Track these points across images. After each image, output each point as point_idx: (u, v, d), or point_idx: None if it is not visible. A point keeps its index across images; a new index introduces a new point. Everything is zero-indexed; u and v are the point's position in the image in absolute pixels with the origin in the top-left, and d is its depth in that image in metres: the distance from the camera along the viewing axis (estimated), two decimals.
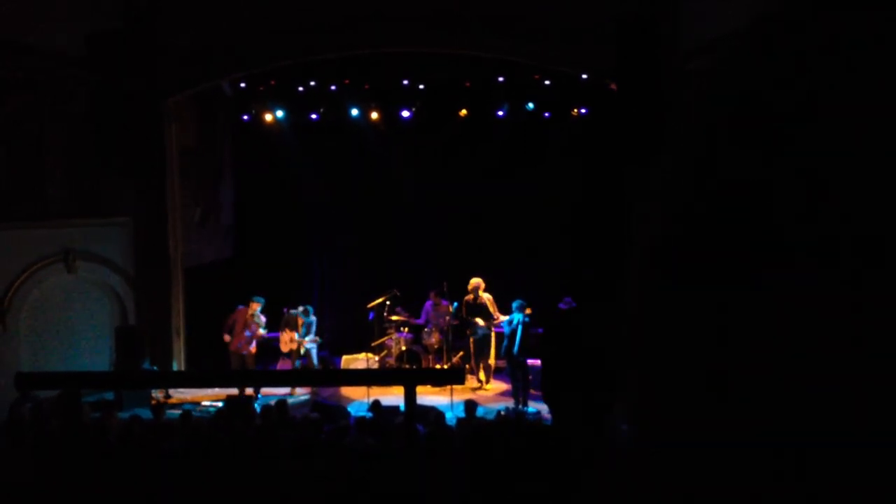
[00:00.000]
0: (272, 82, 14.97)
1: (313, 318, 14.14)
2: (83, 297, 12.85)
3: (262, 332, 13.51)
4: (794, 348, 0.59)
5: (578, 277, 14.59)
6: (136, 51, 12.47)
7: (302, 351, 13.79)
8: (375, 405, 10.42)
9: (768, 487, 0.62)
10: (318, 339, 14.18)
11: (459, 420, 10.40)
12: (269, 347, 14.09)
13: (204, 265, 15.08)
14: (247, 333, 13.41)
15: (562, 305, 12.72)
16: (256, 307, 13.49)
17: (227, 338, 13.46)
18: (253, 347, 13.48)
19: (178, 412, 10.77)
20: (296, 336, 13.76)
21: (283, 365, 14.02)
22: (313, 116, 15.66)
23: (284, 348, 13.81)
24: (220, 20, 12.93)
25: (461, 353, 14.23)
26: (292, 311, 13.92)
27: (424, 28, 12.88)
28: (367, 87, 15.18)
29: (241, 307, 13.58)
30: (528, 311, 12.84)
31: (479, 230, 15.85)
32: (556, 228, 15.70)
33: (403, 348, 14.17)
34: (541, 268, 15.84)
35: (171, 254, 13.74)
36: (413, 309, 14.69)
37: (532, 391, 12.54)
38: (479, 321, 13.81)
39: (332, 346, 15.21)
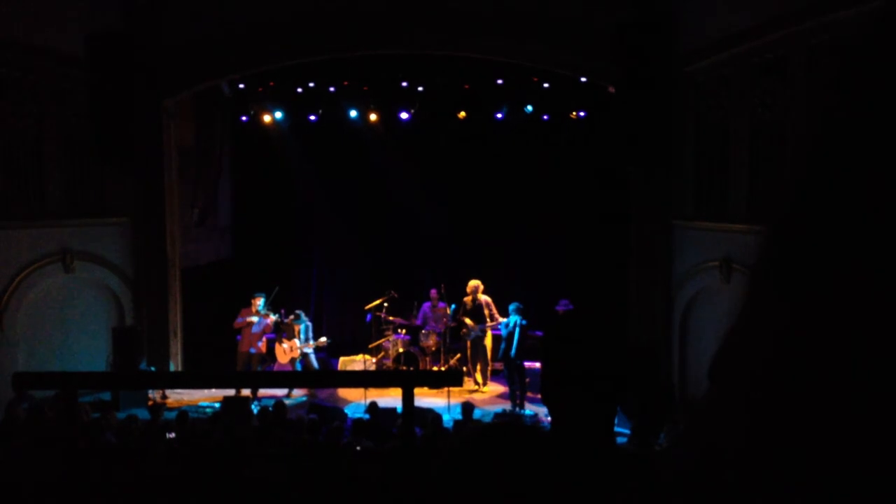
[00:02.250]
0: (271, 83, 14.97)
1: (308, 322, 14.12)
2: (80, 297, 12.83)
3: (272, 317, 13.47)
4: None
5: (578, 280, 14.63)
6: (136, 51, 12.46)
7: (299, 356, 13.73)
8: (372, 407, 10.43)
9: None
10: (324, 340, 14.12)
11: (456, 422, 10.41)
12: (269, 349, 14.08)
13: (201, 266, 15.07)
14: (254, 329, 13.40)
15: (558, 308, 12.73)
16: (259, 301, 13.47)
17: (252, 320, 13.38)
18: (263, 343, 13.45)
19: (175, 413, 10.77)
20: (297, 343, 13.70)
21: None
22: (312, 118, 15.66)
23: (284, 359, 13.70)
24: (219, 21, 12.92)
25: (458, 356, 14.24)
26: (285, 321, 13.89)
27: (423, 30, 12.89)
28: (365, 88, 15.19)
29: (244, 309, 13.56)
30: (512, 307, 12.90)
31: (478, 232, 15.86)
32: (555, 230, 15.73)
33: (401, 350, 14.16)
34: (540, 269, 15.87)
35: (169, 254, 13.73)
36: (406, 313, 14.66)
37: (530, 394, 12.55)
38: (469, 321, 13.79)
39: (330, 347, 15.22)
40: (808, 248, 0.60)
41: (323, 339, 14.13)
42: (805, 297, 0.59)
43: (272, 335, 13.82)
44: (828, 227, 0.59)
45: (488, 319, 13.75)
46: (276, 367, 13.87)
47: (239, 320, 13.48)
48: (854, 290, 0.56)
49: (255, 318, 13.34)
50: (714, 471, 0.64)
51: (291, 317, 13.89)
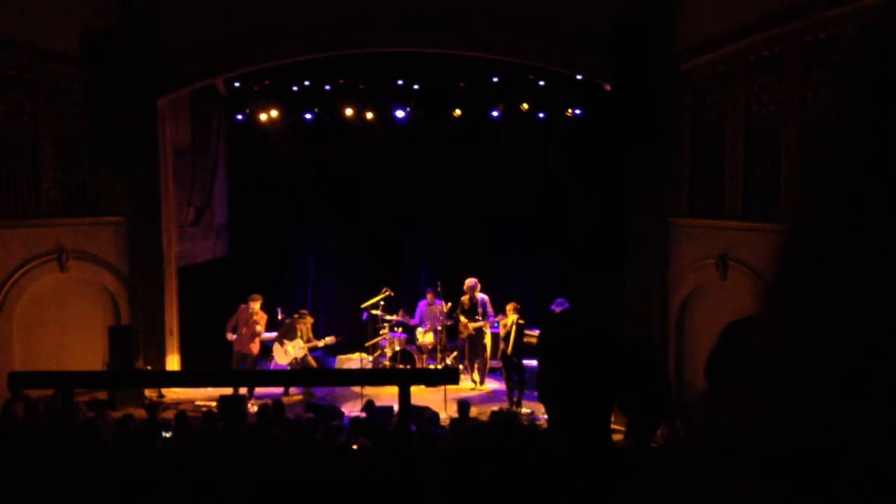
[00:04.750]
0: (266, 82, 14.95)
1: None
2: (76, 297, 12.81)
3: (258, 328, 13.40)
4: None
5: (574, 278, 14.64)
6: (131, 49, 12.43)
7: (301, 356, 13.66)
8: (369, 405, 10.44)
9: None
10: (331, 339, 14.03)
11: (453, 420, 10.42)
12: (267, 348, 14.08)
13: (197, 265, 15.05)
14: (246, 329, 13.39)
15: (554, 307, 12.72)
16: (256, 304, 13.40)
17: (231, 336, 13.38)
18: (254, 345, 13.41)
19: (171, 412, 10.76)
20: (300, 343, 13.62)
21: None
22: (308, 116, 15.65)
23: (284, 360, 13.63)
24: (214, 20, 12.90)
25: (455, 353, 14.24)
26: (287, 320, 13.83)
27: (419, 28, 12.87)
28: (361, 86, 15.18)
29: (242, 306, 13.53)
30: (509, 306, 12.91)
31: (474, 230, 15.86)
32: (551, 228, 15.73)
33: (397, 348, 14.15)
34: (536, 267, 15.88)
35: (165, 253, 13.70)
36: (405, 310, 14.65)
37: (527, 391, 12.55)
38: (465, 320, 13.80)
39: (327, 346, 15.21)
40: (832, 244, 0.60)
41: (330, 337, 14.05)
42: (832, 292, 0.59)
43: (268, 334, 13.79)
44: (851, 223, 0.59)
45: (482, 318, 13.74)
46: (275, 363, 13.87)
47: (231, 328, 13.45)
48: (881, 285, 0.56)
49: (233, 335, 13.31)
50: (743, 467, 0.63)
51: (295, 315, 13.85)
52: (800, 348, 0.61)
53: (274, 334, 13.91)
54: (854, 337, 0.57)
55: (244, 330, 13.33)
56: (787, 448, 0.61)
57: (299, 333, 13.69)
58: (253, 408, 11.33)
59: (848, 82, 0.62)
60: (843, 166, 0.60)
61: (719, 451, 0.69)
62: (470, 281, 13.89)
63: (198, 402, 12.40)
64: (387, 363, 14.04)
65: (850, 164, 0.60)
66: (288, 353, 13.56)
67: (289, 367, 13.50)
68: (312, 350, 14.01)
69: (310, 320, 14.03)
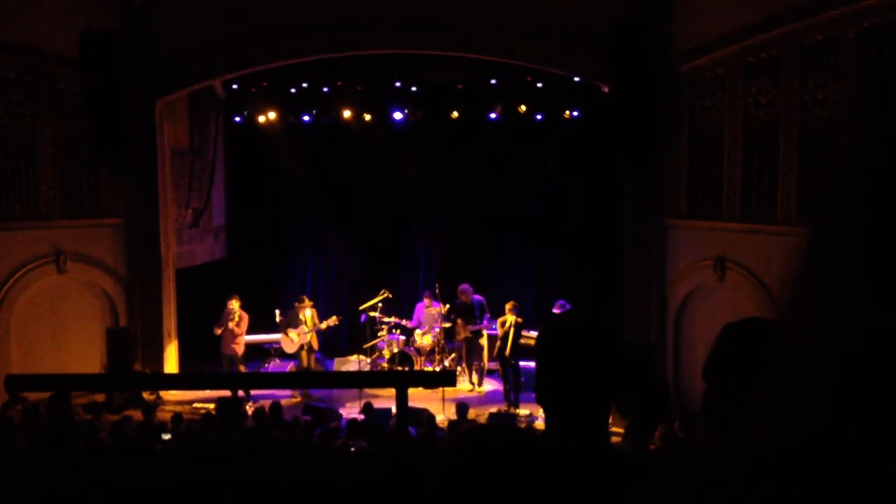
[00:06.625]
0: (264, 83, 14.95)
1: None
2: (74, 299, 12.80)
3: (231, 325, 13.32)
4: None
5: (572, 279, 14.64)
6: (129, 51, 12.43)
7: (308, 340, 13.69)
8: (367, 407, 10.43)
9: None
10: (335, 319, 13.99)
11: (451, 422, 10.42)
12: (258, 348, 14.06)
13: (195, 266, 15.05)
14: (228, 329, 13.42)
15: (555, 309, 12.72)
16: (235, 304, 13.34)
17: (218, 331, 13.37)
18: (236, 345, 13.33)
19: (169, 414, 10.75)
20: (304, 329, 13.67)
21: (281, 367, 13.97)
22: (306, 118, 15.65)
23: (292, 348, 13.70)
24: (213, 22, 12.90)
25: (453, 356, 14.24)
26: (289, 310, 13.88)
27: (417, 29, 12.88)
28: (359, 88, 15.18)
29: (226, 311, 13.53)
30: (507, 305, 12.91)
31: (472, 232, 15.86)
32: (549, 230, 15.74)
33: (395, 350, 14.14)
34: (534, 269, 15.88)
35: (163, 255, 13.69)
36: (403, 312, 14.67)
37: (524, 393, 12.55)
38: (462, 323, 13.81)
39: (325, 348, 15.21)
40: (862, 246, 0.59)
41: (332, 318, 14.02)
42: (861, 293, 0.59)
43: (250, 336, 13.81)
44: (871, 232, 0.58)
45: (479, 320, 13.74)
46: (274, 364, 13.88)
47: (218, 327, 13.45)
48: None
49: (221, 327, 13.31)
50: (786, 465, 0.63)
51: (296, 304, 13.88)
52: (814, 350, 0.60)
53: (261, 336, 13.94)
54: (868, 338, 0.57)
55: (226, 331, 13.31)
56: (792, 448, 0.61)
57: (303, 319, 13.72)
58: (251, 410, 11.32)
59: (870, 91, 0.62)
60: (864, 175, 0.60)
61: (727, 453, 0.68)
62: (463, 286, 13.89)
63: (196, 405, 12.39)
64: (385, 365, 14.04)
65: (872, 172, 0.59)
66: (294, 340, 13.62)
67: (300, 354, 13.60)
68: (317, 338, 13.98)
69: (308, 303, 13.99)
